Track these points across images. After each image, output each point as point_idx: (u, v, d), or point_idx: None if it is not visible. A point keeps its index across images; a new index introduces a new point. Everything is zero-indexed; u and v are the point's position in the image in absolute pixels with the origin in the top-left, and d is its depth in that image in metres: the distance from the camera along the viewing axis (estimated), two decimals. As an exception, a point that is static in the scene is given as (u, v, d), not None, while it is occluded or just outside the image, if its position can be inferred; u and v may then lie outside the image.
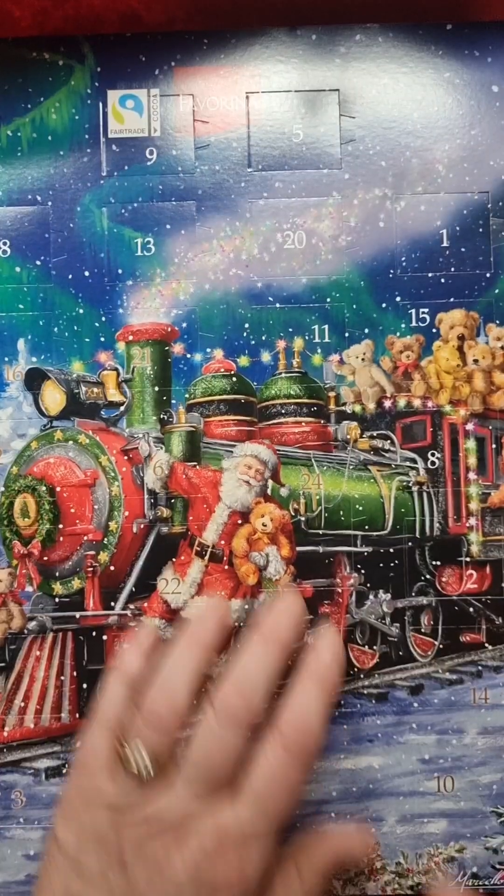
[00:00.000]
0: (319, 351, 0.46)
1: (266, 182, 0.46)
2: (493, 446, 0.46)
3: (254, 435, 0.47)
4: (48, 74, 0.46)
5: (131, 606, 0.45)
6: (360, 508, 0.47)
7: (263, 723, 0.37)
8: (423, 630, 0.46)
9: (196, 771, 0.36)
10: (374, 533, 0.47)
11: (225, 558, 0.45)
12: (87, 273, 0.46)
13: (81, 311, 0.46)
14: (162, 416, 0.46)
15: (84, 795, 0.35)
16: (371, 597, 0.46)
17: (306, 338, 0.46)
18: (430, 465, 0.47)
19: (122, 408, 0.47)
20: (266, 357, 0.46)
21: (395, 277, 0.46)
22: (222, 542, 0.45)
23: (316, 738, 0.36)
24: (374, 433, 0.47)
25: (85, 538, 0.45)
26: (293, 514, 0.46)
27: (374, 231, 0.46)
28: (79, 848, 0.34)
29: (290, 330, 0.46)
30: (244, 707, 0.36)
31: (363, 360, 0.46)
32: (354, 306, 0.46)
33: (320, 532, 0.46)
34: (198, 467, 0.46)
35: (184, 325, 0.46)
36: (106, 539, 0.45)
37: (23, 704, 0.45)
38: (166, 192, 0.46)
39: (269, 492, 0.45)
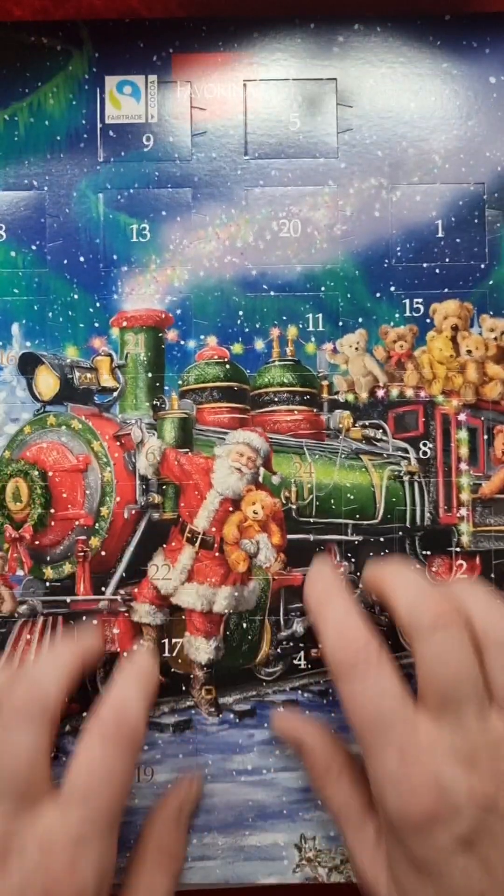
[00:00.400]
0: (313, 339, 0.46)
1: (262, 170, 0.46)
2: (485, 437, 0.46)
3: (246, 422, 0.47)
4: (46, 60, 0.46)
5: (122, 592, 0.45)
6: (352, 497, 0.47)
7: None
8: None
9: (3, 784, 0.34)
10: (365, 522, 0.47)
11: (216, 545, 0.45)
12: (82, 259, 0.46)
13: (76, 296, 0.46)
14: (155, 403, 0.46)
15: None
16: (361, 586, 0.46)
17: (300, 326, 0.46)
18: (421, 455, 0.47)
19: (115, 393, 0.47)
20: (260, 345, 0.46)
21: (390, 267, 0.46)
22: (213, 529, 0.45)
23: (135, 721, 0.35)
24: (367, 422, 0.47)
25: (76, 523, 0.46)
26: (284, 502, 0.46)
27: (370, 220, 0.46)
28: None
29: (284, 318, 0.46)
30: (35, 702, 0.35)
31: (357, 349, 0.46)
32: (349, 295, 0.46)
33: (311, 520, 0.46)
34: (190, 454, 0.46)
35: (178, 311, 0.46)
36: (97, 524, 0.46)
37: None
38: (162, 179, 0.46)
39: (260, 479, 0.45)
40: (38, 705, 0.35)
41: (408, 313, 0.46)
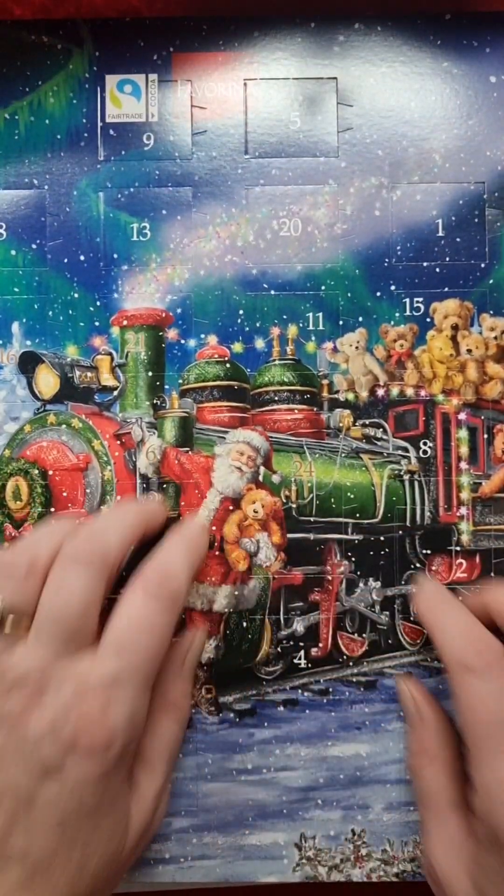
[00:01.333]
0: (313, 338, 0.46)
1: (263, 169, 0.46)
2: (485, 436, 0.46)
3: (246, 421, 0.47)
4: (46, 58, 0.46)
5: (122, 591, 0.45)
6: (352, 496, 0.47)
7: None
8: (412, 618, 0.46)
9: (50, 624, 0.34)
10: (365, 521, 0.47)
11: (216, 544, 0.45)
12: (82, 257, 0.46)
13: (76, 295, 0.46)
14: (155, 402, 0.46)
15: None
16: (361, 584, 0.46)
17: (300, 325, 0.46)
18: (421, 454, 0.47)
19: (115, 392, 0.47)
20: (260, 344, 0.46)
21: (390, 266, 0.46)
22: (213, 528, 0.45)
23: (178, 582, 0.36)
24: (367, 421, 0.47)
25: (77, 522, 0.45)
26: (284, 500, 0.46)
27: (370, 220, 0.46)
28: None
29: (285, 317, 0.46)
30: (96, 552, 0.35)
31: (357, 348, 0.46)
32: (349, 294, 0.46)
33: (311, 519, 0.46)
34: (190, 453, 0.46)
35: (178, 310, 0.46)
36: (97, 523, 0.45)
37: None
38: (163, 178, 0.46)
39: (260, 478, 0.45)
40: (98, 555, 0.36)
41: (408, 312, 0.46)
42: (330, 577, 0.46)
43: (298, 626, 0.46)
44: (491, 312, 0.46)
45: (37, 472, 0.46)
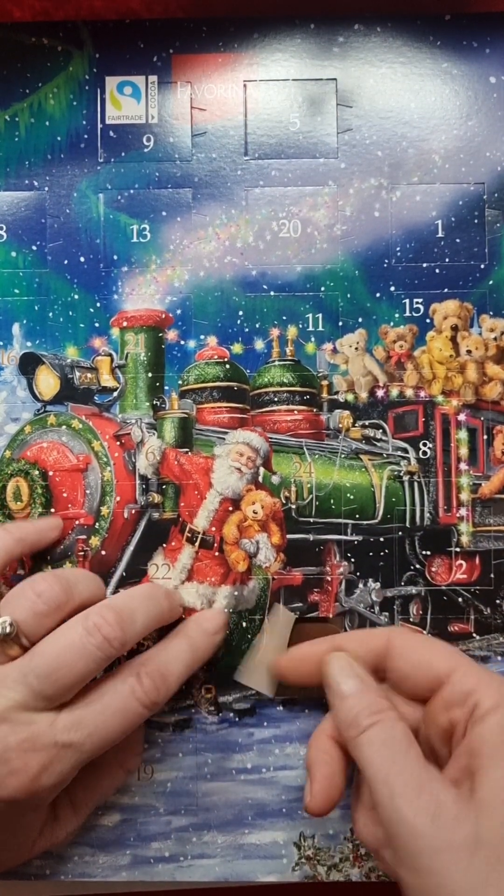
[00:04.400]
0: (313, 339, 0.46)
1: (262, 170, 0.46)
2: (485, 437, 0.46)
3: (246, 422, 0.47)
4: (46, 60, 0.46)
5: (122, 591, 0.45)
6: (351, 497, 0.47)
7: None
8: (411, 619, 0.46)
9: (35, 675, 0.35)
10: (365, 522, 0.47)
11: (215, 545, 0.45)
12: (82, 259, 0.46)
13: (76, 296, 0.46)
14: (155, 403, 0.46)
15: None
16: (360, 585, 0.46)
17: (300, 326, 0.46)
18: (421, 455, 0.47)
19: (115, 393, 0.47)
20: (259, 345, 0.46)
21: (390, 267, 0.46)
22: (213, 529, 0.45)
23: (169, 691, 0.38)
24: (367, 422, 0.47)
25: (77, 522, 0.46)
26: (284, 501, 0.46)
27: (370, 221, 0.46)
28: None
29: (284, 318, 0.46)
30: (116, 639, 0.37)
31: (356, 349, 0.46)
32: (348, 295, 0.46)
33: (311, 520, 0.46)
34: (190, 454, 0.46)
35: (178, 311, 0.46)
36: (97, 524, 0.46)
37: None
38: (163, 180, 0.47)
39: (260, 479, 0.46)
40: (117, 642, 0.37)
41: (407, 313, 0.46)
42: (329, 578, 0.46)
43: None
44: (491, 313, 0.46)
45: (37, 472, 0.46)
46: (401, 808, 0.32)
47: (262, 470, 0.46)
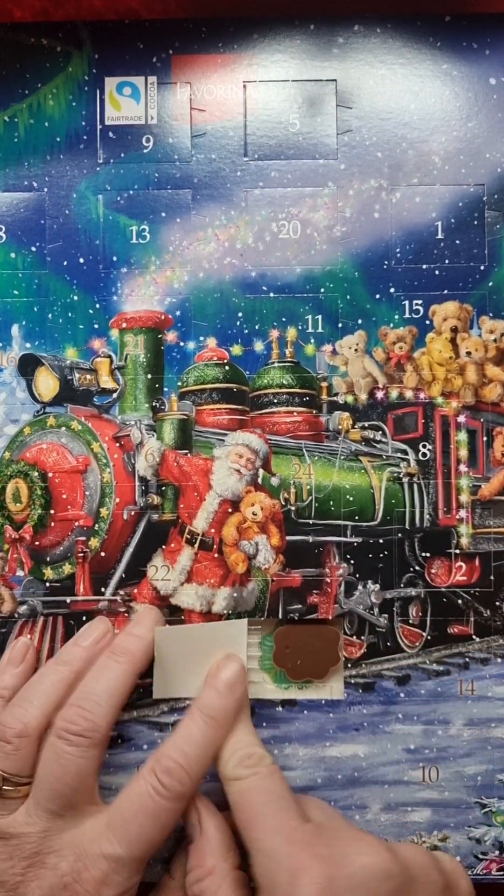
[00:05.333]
0: (312, 341, 0.46)
1: (262, 171, 0.46)
2: (485, 439, 0.46)
3: (245, 424, 0.47)
4: (46, 61, 0.46)
5: (121, 592, 0.45)
6: (351, 499, 0.47)
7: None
8: (411, 621, 0.46)
9: (48, 794, 0.37)
10: (364, 523, 0.47)
11: (215, 546, 0.45)
12: (81, 260, 0.46)
13: (76, 297, 0.46)
14: (154, 404, 0.46)
15: None
16: (360, 587, 0.46)
17: (299, 327, 0.46)
18: (421, 457, 0.47)
19: (114, 395, 0.47)
20: (259, 346, 0.46)
21: (390, 268, 0.46)
22: (212, 531, 0.45)
23: (190, 772, 0.37)
24: (366, 424, 0.47)
25: (76, 524, 0.46)
26: (283, 503, 0.46)
27: (369, 222, 0.46)
28: None
29: (284, 319, 0.46)
30: (86, 730, 0.37)
31: (356, 350, 0.46)
32: (348, 297, 0.46)
33: (310, 522, 0.46)
34: (189, 455, 0.46)
35: (177, 313, 0.46)
36: (97, 525, 0.46)
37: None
38: (162, 180, 0.46)
39: (259, 481, 0.46)
40: (89, 730, 0.38)
41: (407, 315, 0.46)
42: (329, 580, 0.46)
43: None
44: (490, 315, 0.46)
45: (36, 474, 0.46)
46: None
47: (261, 471, 0.46)
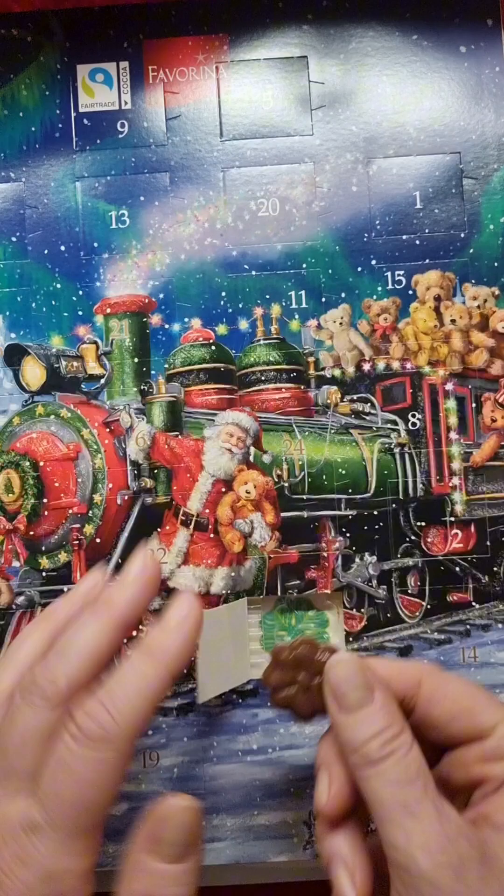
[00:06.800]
0: (297, 316, 0.46)
1: (238, 151, 0.47)
2: (473, 405, 0.46)
3: (234, 403, 0.47)
4: (17, 51, 0.46)
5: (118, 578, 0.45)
6: (343, 472, 0.47)
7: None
8: (410, 591, 0.46)
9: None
10: (358, 496, 0.47)
11: (210, 527, 0.45)
12: (62, 248, 0.46)
13: (59, 285, 0.46)
14: (142, 388, 0.46)
15: None
16: (357, 560, 0.46)
17: (283, 304, 0.46)
18: (411, 427, 0.47)
19: (102, 380, 0.47)
20: (244, 324, 0.46)
21: (370, 241, 0.46)
22: (207, 511, 0.45)
23: (116, 719, 0.30)
24: (355, 397, 0.47)
25: (70, 511, 0.46)
26: (276, 480, 0.46)
27: (347, 196, 0.46)
28: None
29: (267, 297, 0.46)
30: (47, 692, 0.31)
31: (341, 324, 0.46)
32: (330, 271, 0.46)
33: (304, 497, 0.46)
34: (180, 437, 0.46)
35: (161, 295, 0.46)
36: (91, 512, 0.46)
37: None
38: (139, 165, 0.47)
39: (251, 459, 0.45)
40: (49, 691, 0.31)
41: (390, 286, 0.46)
42: (325, 554, 0.46)
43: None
44: (473, 281, 0.46)
45: (28, 463, 0.46)
46: (419, 859, 0.29)
47: (252, 449, 0.45)
